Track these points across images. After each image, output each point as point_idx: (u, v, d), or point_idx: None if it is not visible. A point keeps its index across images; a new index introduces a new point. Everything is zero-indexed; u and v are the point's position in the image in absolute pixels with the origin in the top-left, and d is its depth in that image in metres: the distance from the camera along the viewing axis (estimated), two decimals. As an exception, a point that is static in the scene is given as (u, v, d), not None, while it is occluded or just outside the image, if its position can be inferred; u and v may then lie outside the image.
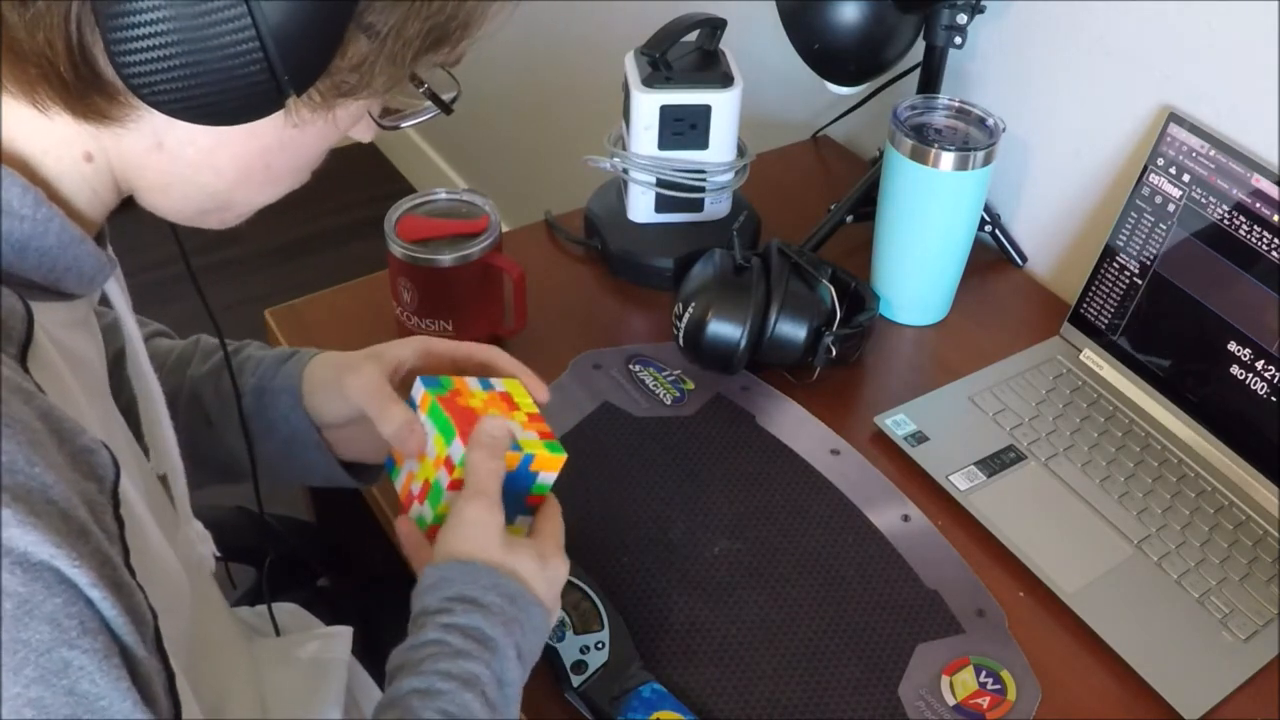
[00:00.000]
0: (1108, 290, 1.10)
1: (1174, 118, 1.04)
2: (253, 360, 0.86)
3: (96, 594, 0.50)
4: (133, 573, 0.54)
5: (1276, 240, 0.97)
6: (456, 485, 0.72)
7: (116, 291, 0.67)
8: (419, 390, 0.76)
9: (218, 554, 0.80)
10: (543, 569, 0.72)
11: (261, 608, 0.96)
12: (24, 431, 0.50)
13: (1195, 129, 1.02)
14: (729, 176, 1.19)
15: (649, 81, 1.14)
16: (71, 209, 0.59)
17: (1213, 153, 1.01)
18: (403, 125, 0.67)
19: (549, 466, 0.75)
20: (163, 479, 0.75)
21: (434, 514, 0.74)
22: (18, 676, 0.47)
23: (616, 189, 1.24)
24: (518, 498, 0.75)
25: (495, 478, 0.71)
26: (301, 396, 0.82)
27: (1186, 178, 1.03)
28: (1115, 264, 1.10)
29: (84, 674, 0.49)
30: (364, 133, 0.65)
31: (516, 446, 0.73)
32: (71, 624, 0.49)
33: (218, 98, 0.54)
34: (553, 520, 0.76)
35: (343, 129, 0.63)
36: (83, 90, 0.54)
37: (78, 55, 0.53)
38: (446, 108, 0.66)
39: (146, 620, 0.53)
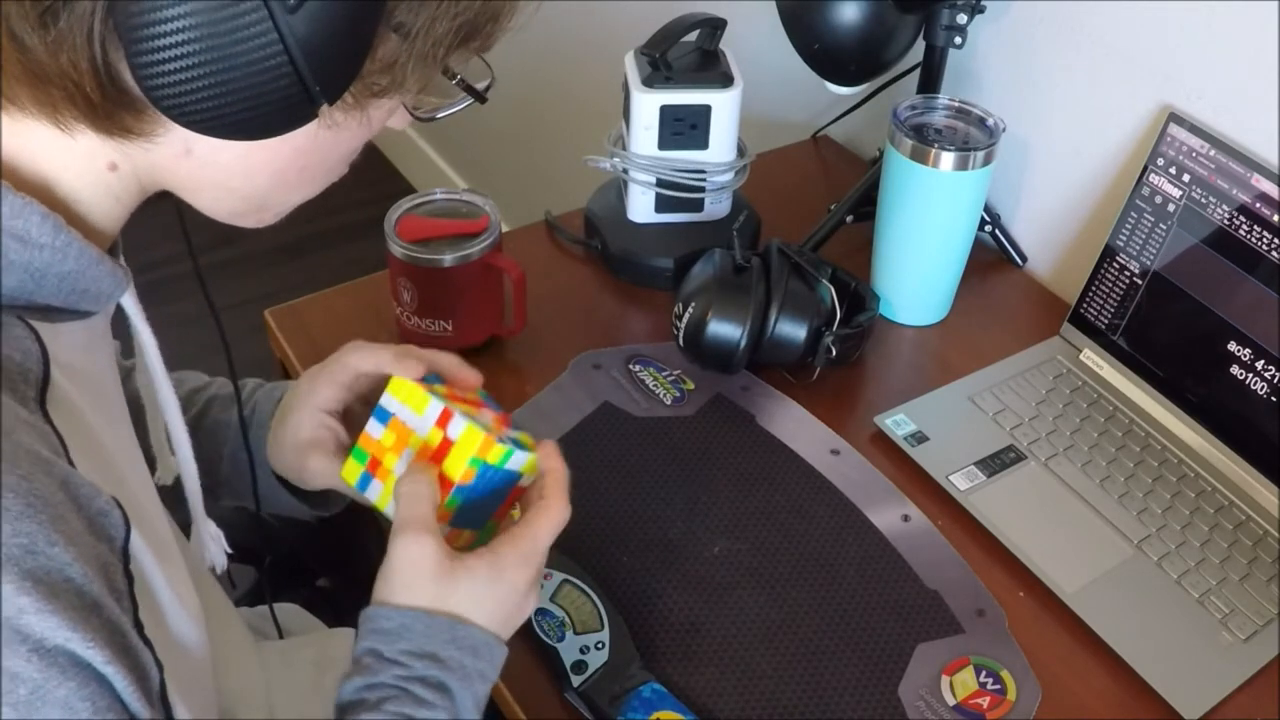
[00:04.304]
0: (1108, 290, 1.10)
1: (1174, 118, 1.04)
2: (218, 402, 0.86)
3: (110, 670, 0.51)
4: (141, 627, 0.55)
5: (1276, 240, 0.97)
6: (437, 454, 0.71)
7: (130, 301, 0.67)
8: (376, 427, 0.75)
9: (229, 550, 0.80)
10: (494, 582, 0.68)
11: (262, 608, 0.96)
12: (46, 508, 0.50)
13: (1195, 129, 1.02)
14: (729, 176, 1.19)
15: (649, 81, 1.14)
16: (89, 225, 0.59)
17: (1213, 153, 1.01)
18: (439, 115, 0.67)
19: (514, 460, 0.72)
20: (174, 483, 0.75)
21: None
22: None
23: (616, 189, 1.24)
24: (493, 498, 0.73)
25: (423, 502, 0.68)
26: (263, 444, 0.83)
27: (1186, 178, 1.03)
28: (1115, 264, 1.10)
29: None
30: (399, 122, 0.65)
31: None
32: (84, 706, 0.50)
33: (250, 113, 0.53)
34: (529, 523, 0.71)
35: (377, 126, 0.63)
36: (109, 109, 0.54)
37: (103, 75, 0.52)
38: (481, 97, 0.66)
39: (151, 676, 0.55)
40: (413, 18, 0.55)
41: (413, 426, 0.72)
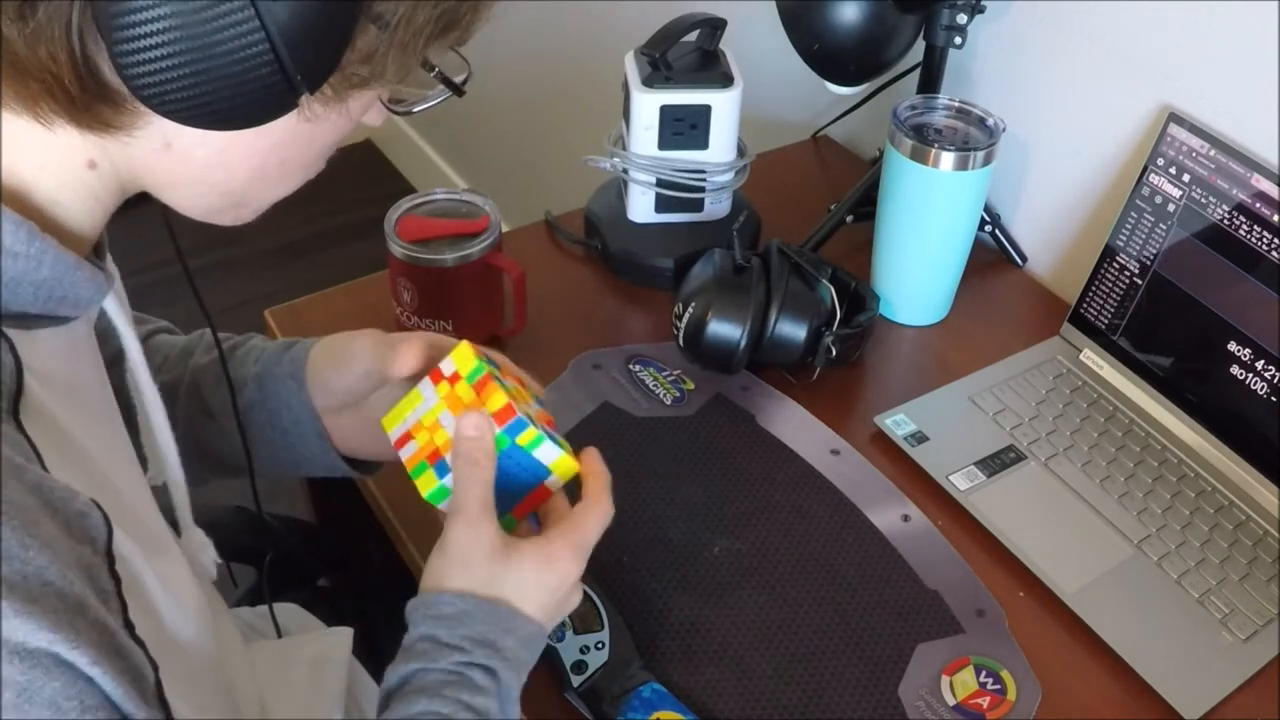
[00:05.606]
0: (1108, 290, 1.10)
1: (1174, 118, 1.04)
2: (256, 349, 0.86)
3: (96, 671, 0.51)
4: (132, 627, 0.54)
5: (1276, 240, 0.97)
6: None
7: (114, 305, 0.66)
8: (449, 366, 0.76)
9: (218, 560, 0.80)
10: (544, 570, 0.70)
11: (262, 608, 0.96)
12: (19, 513, 0.50)
13: (1195, 129, 1.02)
14: (729, 176, 1.19)
15: (649, 81, 1.14)
16: (68, 228, 0.58)
17: (1213, 153, 1.01)
18: (415, 110, 0.67)
19: (558, 470, 0.74)
20: (161, 489, 0.75)
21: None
22: None
23: (616, 189, 1.24)
24: (521, 484, 0.74)
25: (480, 485, 0.69)
26: (305, 382, 0.82)
27: (1186, 178, 1.03)
28: (1115, 264, 1.10)
29: None
30: (375, 118, 0.65)
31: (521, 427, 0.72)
32: (71, 705, 0.50)
33: (230, 102, 0.53)
34: (578, 518, 0.73)
35: (355, 119, 0.62)
36: (88, 102, 0.54)
37: (82, 67, 0.52)
38: (458, 90, 0.66)
39: (146, 676, 0.54)
40: (393, 7, 0.55)
41: (459, 393, 0.74)
